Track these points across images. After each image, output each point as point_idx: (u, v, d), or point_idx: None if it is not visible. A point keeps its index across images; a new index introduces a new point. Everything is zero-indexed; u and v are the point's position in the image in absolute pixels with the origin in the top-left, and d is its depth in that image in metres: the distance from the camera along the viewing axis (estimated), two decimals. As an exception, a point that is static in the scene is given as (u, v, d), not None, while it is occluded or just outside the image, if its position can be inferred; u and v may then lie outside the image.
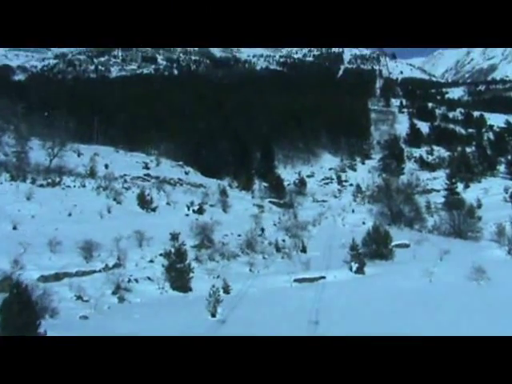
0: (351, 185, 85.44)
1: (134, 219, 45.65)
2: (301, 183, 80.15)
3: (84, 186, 52.14)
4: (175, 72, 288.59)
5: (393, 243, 44.75)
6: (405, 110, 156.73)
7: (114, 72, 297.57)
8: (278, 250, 43.65)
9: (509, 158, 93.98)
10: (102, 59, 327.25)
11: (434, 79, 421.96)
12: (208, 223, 45.63)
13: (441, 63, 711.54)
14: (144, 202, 49.95)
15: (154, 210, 49.99)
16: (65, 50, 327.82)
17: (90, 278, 32.19)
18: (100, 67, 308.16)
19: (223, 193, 60.58)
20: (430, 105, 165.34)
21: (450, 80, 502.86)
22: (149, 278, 33.57)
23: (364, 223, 57.42)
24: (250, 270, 38.39)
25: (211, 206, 55.95)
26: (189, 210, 51.99)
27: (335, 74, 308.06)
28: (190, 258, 37.96)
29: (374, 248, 42.47)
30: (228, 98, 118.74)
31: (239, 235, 45.69)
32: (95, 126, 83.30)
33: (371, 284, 36.22)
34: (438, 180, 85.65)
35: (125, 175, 61.85)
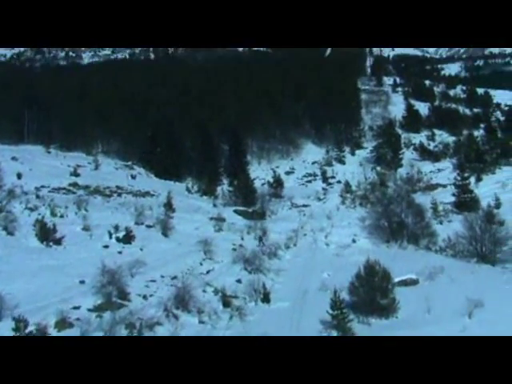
0: (339, 182, 70.63)
1: (18, 263, 31.32)
2: (277, 183, 65.23)
3: (-35, 211, 37.73)
4: (151, 56, 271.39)
5: (395, 279, 30.97)
6: (399, 89, 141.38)
7: (86, 58, 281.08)
8: (225, 303, 29.32)
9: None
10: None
11: (427, 55, 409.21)
12: (130, 262, 31.64)
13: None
14: (44, 232, 35.43)
15: (58, 242, 35.42)
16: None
17: None
18: (71, 53, 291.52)
19: (168, 206, 45.96)
20: (427, 82, 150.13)
21: (444, 56, 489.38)
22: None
23: (354, 241, 43.67)
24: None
25: (148, 226, 41.48)
26: (111, 237, 37.50)
27: (322, 53, 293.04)
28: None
29: (368, 297, 28.47)
30: (200, 83, 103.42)
31: (174, 278, 31.47)
32: (26, 121, 68.78)
33: None
34: (443, 172, 71.39)
35: (42, 187, 47.30)
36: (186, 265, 33.97)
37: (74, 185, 50.71)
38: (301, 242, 43.92)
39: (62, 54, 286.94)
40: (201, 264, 35.14)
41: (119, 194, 51.15)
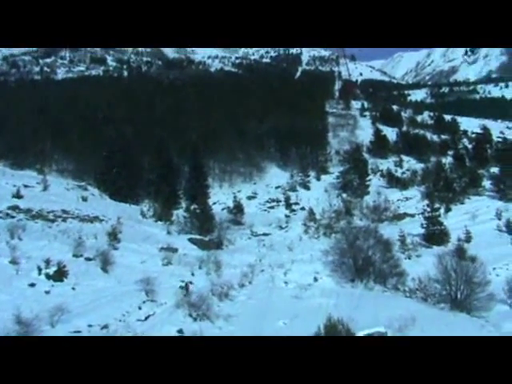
0: (303, 208, 67.13)
1: None
2: (237, 209, 61.40)
3: None
4: (125, 73, 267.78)
5: (361, 333, 27.14)
6: (367, 113, 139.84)
7: (61, 74, 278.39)
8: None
9: (492, 170, 77.52)
10: (48, 60, 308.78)
11: (394, 81, 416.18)
12: (54, 306, 27.06)
13: (401, 65, 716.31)
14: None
15: (-25, 278, 30.77)
16: (15, 51, 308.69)
17: None
18: (46, 69, 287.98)
19: (113, 236, 41.62)
20: (394, 107, 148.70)
21: (410, 82, 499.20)
22: None
23: (316, 279, 39.93)
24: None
25: (88, 259, 37.09)
26: (40, 274, 32.98)
27: (293, 76, 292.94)
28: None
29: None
30: (165, 102, 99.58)
31: (104, 327, 27.06)
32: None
33: None
34: (411, 201, 68.65)
35: (-23, 210, 42.62)
36: (122, 309, 29.66)
37: (15, 208, 45.89)
38: (257, 279, 39.86)
39: (37, 69, 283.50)
40: (139, 308, 30.82)
41: (64, 219, 46.46)
